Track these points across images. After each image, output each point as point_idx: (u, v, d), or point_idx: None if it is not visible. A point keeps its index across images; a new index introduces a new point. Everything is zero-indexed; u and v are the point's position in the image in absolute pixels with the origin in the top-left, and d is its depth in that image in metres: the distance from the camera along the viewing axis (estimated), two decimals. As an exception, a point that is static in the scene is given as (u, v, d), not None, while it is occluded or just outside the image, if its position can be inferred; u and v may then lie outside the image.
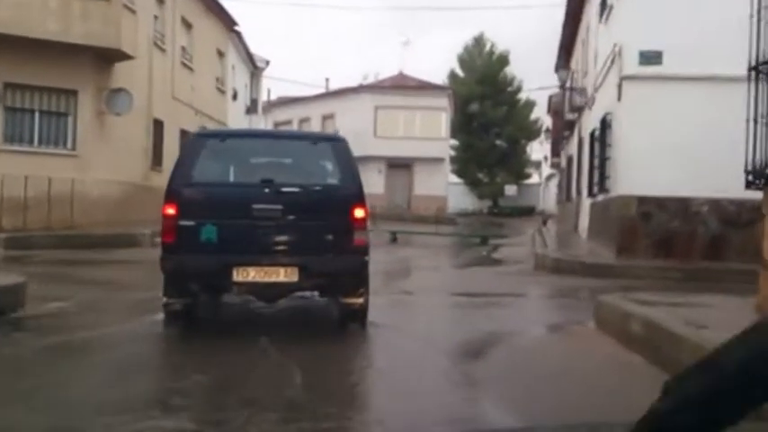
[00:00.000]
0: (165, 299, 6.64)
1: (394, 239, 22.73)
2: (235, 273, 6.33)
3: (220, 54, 28.18)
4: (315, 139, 8.00)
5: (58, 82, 17.16)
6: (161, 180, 22.85)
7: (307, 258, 6.43)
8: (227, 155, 7.05)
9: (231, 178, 7.07)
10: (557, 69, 31.67)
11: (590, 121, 20.00)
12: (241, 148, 7.26)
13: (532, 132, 53.35)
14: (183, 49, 23.72)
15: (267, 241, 6.46)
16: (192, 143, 7.29)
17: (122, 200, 19.09)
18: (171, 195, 6.54)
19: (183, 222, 6.36)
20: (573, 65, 26.16)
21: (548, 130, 48.27)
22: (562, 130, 29.40)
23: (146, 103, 20.58)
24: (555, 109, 36.84)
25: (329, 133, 9.42)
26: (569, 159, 27.26)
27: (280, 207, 6.44)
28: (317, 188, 6.82)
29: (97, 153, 17.83)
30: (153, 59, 21.01)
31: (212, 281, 6.64)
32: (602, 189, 15.79)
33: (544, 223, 30.61)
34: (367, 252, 6.77)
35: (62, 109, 17.53)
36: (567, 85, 22.46)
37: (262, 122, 42.40)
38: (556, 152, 34.75)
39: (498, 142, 53.29)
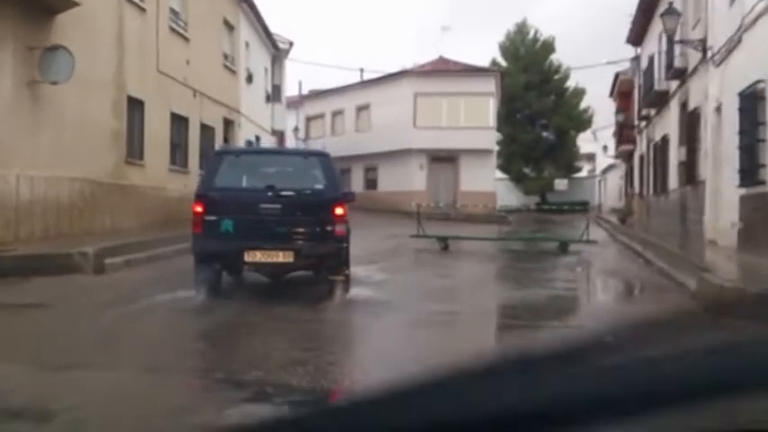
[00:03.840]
0: (195, 275, 8.27)
1: (445, 247, 16.31)
2: (246, 254, 8.07)
3: (229, 26, 21.97)
4: (306, 154, 10.03)
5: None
6: (141, 176, 16.69)
7: (299, 244, 8.14)
8: (240, 167, 8.85)
9: (243, 184, 8.73)
10: (630, 39, 24.82)
11: (716, 88, 13.33)
12: (251, 162, 9.17)
13: (582, 122, 46.28)
14: (173, 11, 17.55)
15: (270, 231, 8.06)
16: (215, 158, 9.18)
17: (76, 204, 12.96)
18: (199, 198, 8.35)
19: (208, 217, 8.13)
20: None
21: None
22: (644, 107, 22.52)
23: (114, 73, 14.44)
24: (622, 89, 30.00)
25: (317, 150, 9.70)
26: (660, 142, 20.40)
27: (279, 206, 8.17)
28: (307, 192, 8.45)
29: (28, 139, 11.70)
30: (125, 17, 14.87)
31: (229, 260, 8.34)
32: (754, 180, 9.25)
33: (622, 221, 23.82)
34: (346, 240, 8.40)
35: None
36: (674, 38, 15.69)
37: (291, 116, 36.26)
38: (628, 138, 27.85)
39: (545, 134, 46.44)
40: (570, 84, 45.63)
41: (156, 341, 6.38)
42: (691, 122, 15.69)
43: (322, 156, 8.88)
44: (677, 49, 16.23)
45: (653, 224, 20.61)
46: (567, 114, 44.90)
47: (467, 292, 10.32)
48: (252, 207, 8.11)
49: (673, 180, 18.27)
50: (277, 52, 27.75)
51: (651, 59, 19.71)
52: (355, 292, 8.70)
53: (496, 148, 37.09)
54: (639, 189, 25.29)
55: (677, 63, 16.29)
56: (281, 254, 8.07)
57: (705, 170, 14.43)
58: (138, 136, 15.56)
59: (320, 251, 8.13)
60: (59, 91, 12.11)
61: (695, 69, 15.45)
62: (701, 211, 14.82)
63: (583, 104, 45.90)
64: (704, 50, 14.29)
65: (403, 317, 7.79)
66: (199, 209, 8.19)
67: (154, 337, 6.53)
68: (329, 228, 8.15)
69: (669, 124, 18.97)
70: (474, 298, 9.61)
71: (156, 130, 16.33)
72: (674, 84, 17.99)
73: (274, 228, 8.06)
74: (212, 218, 8.08)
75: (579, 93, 45.78)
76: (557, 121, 44.77)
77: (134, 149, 15.36)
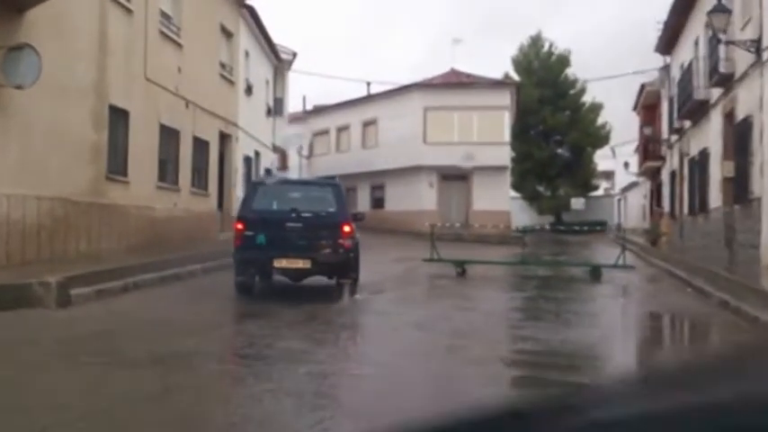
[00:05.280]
0: (236, 277, 10.62)
1: (462, 272, 14.84)
2: (275, 261, 10.26)
3: (227, 33, 20.65)
4: (322, 184, 12.07)
5: None
6: (125, 194, 15.17)
7: (316, 254, 10.23)
8: (271, 193, 11.25)
9: (274, 207, 10.80)
10: (659, 48, 23.45)
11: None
12: (279, 190, 11.58)
13: (600, 139, 44.92)
14: (165, 14, 16.24)
15: (293, 244, 10.23)
16: (252, 187, 11.66)
17: (46, 226, 11.52)
18: (241, 218, 10.60)
19: (247, 233, 10.33)
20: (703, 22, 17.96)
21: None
22: (678, 119, 21.05)
23: (95, 79, 13.08)
24: (648, 101, 28.58)
25: (331, 180, 12.02)
26: (698, 156, 18.89)
27: (300, 224, 10.33)
28: (323, 214, 10.60)
29: (-12, 150, 10.31)
30: (108, 18, 13.55)
31: (262, 266, 10.49)
32: None
33: (653, 243, 22.29)
34: (353, 251, 10.68)
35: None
36: (721, 37, 14.25)
37: (294, 131, 34.94)
38: (654, 154, 26.37)
39: (560, 151, 45.06)
40: (587, 99, 44.38)
41: None
42: (740, 133, 14.20)
43: (334, 185, 11.30)
44: (722, 52, 14.80)
45: (690, 247, 19.05)
46: (584, 130, 43.55)
47: (497, 332, 8.81)
48: (280, 225, 10.33)
49: (714, 198, 16.75)
50: (279, 63, 26.44)
51: (689, 67, 18.26)
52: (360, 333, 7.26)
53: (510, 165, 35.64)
54: (671, 208, 23.74)
55: (722, 68, 14.84)
56: (301, 261, 10.27)
57: (760, 186, 12.94)
58: (121, 149, 14.16)
59: (332, 260, 10.35)
60: (27, 97, 10.72)
61: (745, 74, 14.02)
62: (753, 232, 13.31)
63: (600, 120, 44.63)
64: (758, 52, 12.86)
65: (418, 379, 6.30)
66: (240, 226, 10.51)
67: None
68: (339, 241, 10.38)
69: (710, 136, 17.48)
70: (508, 341, 8.08)
71: (143, 144, 14.92)
72: (716, 92, 16.53)
73: (296, 241, 10.27)
74: (250, 233, 10.35)
75: (596, 108, 44.47)
76: (573, 138, 43.41)
77: (117, 164, 13.94)
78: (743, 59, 14.14)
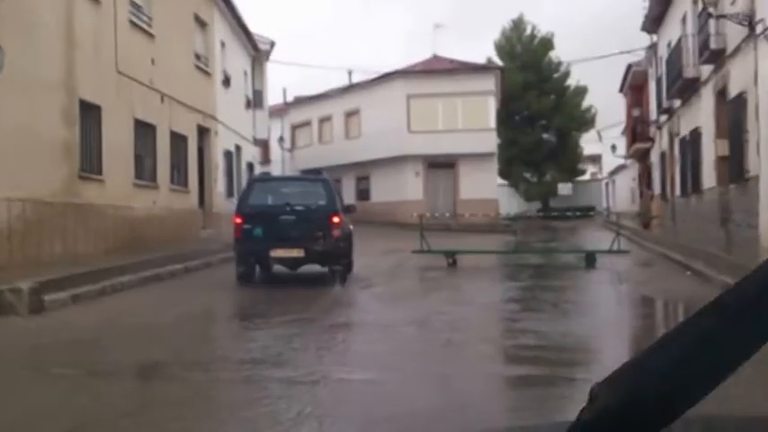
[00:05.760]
0: (237, 268, 11.49)
1: (453, 263, 14.48)
2: (272, 252, 11.11)
3: (201, 23, 20.05)
4: (312, 179, 12.95)
5: None
6: (100, 193, 14.59)
7: (308, 243, 10.98)
8: (266, 189, 12.32)
9: (269, 202, 11.72)
10: (645, 26, 23.15)
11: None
12: (273, 186, 12.78)
13: (585, 122, 44.65)
14: (134, 4, 15.65)
15: (287, 235, 10.99)
16: (249, 185, 13.04)
17: (17, 229, 10.97)
18: (239, 213, 11.44)
19: (245, 226, 11.15)
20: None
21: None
22: (667, 99, 20.75)
23: (62, 73, 12.52)
24: (635, 82, 28.30)
25: (320, 176, 12.90)
26: (688, 136, 18.60)
27: (294, 217, 11.16)
28: (313, 206, 11.43)
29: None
30: (74, 9, 12.97)
31: (260, 256, 11.33)
32: None
33: (645, 226, 22.06)
34: (342, 240, 11.43)
35: None
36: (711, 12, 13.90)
37: (276, 125, 34.40)
38: (642, 135, 26.09)
39: (546, 136, 44.74)
40: (571, 82, 44.09)
41: None
42: (734, 111, 13.90)
43: (323, 180, 12.21)
44: (712, 27, 14.48)
45: (683, 229, 18.80)
46: (569, 114, 43.25)
47: (495, 327, 8.45)
48: (275, 218, 11.14)
49: (708, 178, 16.47)
50: (257, 53, 25.85)
51: (677, 44, 17.93)
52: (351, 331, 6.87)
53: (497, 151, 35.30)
54: (661, 190, 23.47)
55: (713, 44, 14.52)
56: (295, 251, 11.10)
57: (756, 165, 12.65)
58: (94, 146, 13.61)
59: (323, 248, 11.04)
60: (-9, 93, 10.20)
61: (737, 49, 13.70)
62: (751, 212, 13.02)
63: (585, 103, 44.37)
64: (751, 25, 12.54)
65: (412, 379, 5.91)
66: (238, 220, 11.34)
67: None
68: (329, 232, 11.13)
69: (701, 115, 17.19)
70: (507, 336, 7.71)
71: (117, 140, 14.38)
72: (706, 69, 16.23)
73: (290, 232, 11.01)
74: (247, 226, 11.16)
75: (581, 91, 44.15)
76: (558, 122, 43.12)
77: (90, 162, 13.40)
78: (734, 34, 13.83)
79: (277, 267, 11.89)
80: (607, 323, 8.30)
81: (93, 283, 10.30)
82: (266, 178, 15.93)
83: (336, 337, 7.64)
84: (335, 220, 11.25)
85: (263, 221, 11.09)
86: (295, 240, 10.97)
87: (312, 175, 15.05)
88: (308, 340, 7.11)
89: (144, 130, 15.83)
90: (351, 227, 12.43)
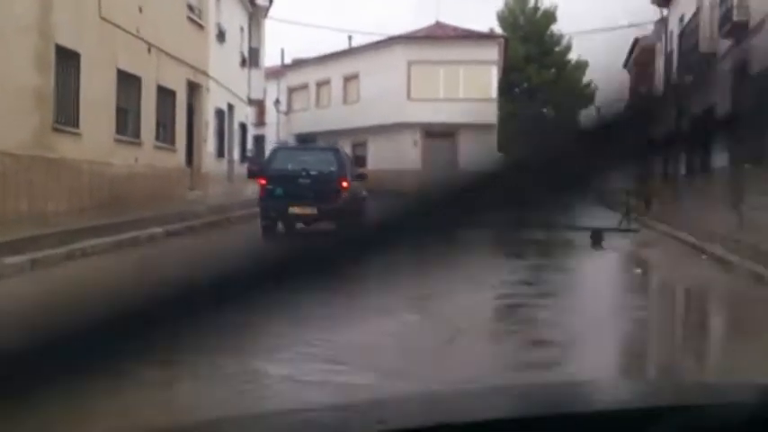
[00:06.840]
0: (261, 221, 13.11)
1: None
2: (289, 209, 12.57)
3: (195, -28, 18.79)
4: (325, 149, 15.40)
5: None
6: (76, 148, 13.30)
7: (320, 203, 12.28)
8: (287, 156, 14.09)
9: (289, 167, 13.22)
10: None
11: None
12: (293, 153, 14.54)
13: (585, 98, 43.46)
14: (121, -55, 14.37)
15: (303, 195, 12.49)
16: (273, 152, 14.84)
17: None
18: (264, 175, 13.26)
19: (268, 186, 12.86)
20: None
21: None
22: (678, 75, 19.65)
23: (36, 15, 11.33)
24: (641, 58, 27.12)
25: (333, 146, 15.91)
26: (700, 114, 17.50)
27: (309, 180, 12.76)
28: (325, 172, 13.07)
29: None
30: (52, -55, 11.74)
31: (280, 212, 12.82)
32: None
33: (646, 204, 21.11)
34: (349, 201, 12.72)
35: None
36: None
37: (272, 87, 33.11)
38: (648, 112, 24.94)
39: (545, 110, 43.61)
40: (572, 56, 42.83)
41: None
42: (757, 87, 12.83)
43: (335, 150, 14.42)
44: (735, -1, 13.37)
45: (689, 208, 17.83)
46: (569, 89, 42.09)
47: (508, 316, 7.52)
48: (293, 180, 12.70)
49: (719, 157, 15.45)
50: (255, 9, 24.52)
51: (693, 16, 16.78)
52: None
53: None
54: (663, 168, 22.44)
55: (736, 16, 13.41)
56: (309, 209, 12.45)
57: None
58: (71, 97, 12.49)
59: (333, 207, 12.09)
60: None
61: (762, 22, 12.60)
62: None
63: (586, 78, 43.15)
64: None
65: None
66: (263, 181, 13.06)
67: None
68: (337, 194, 12.58)
69: (716, 92, 16.09)
70: (525, 329, 6.76)
71: (97, 91, 13.24)
72: (724, 44, 15.12)
73: (306, 193, 12.50)
74: (270, 187, 12.80)
75: (582, 66, 42.92)
76: (558, 97, 41.96)
77: (66, 114, 12.29)
78: (759, 6, 12.72)
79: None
80: (633, 319, 7.29)
81: (59, 246, 9.27)
82: (288, 147, 18.46)
83: (327, 324, 6.67)
84: (344, 184, 12.95)
85: (283, 183, 12.68)
86: (309, 200, 12.42)
87: (327, 145, 17.32)
88: (303, 325, 6.13)
89: (128, 82, 14.68)
90: (364, 193, 14.36)
